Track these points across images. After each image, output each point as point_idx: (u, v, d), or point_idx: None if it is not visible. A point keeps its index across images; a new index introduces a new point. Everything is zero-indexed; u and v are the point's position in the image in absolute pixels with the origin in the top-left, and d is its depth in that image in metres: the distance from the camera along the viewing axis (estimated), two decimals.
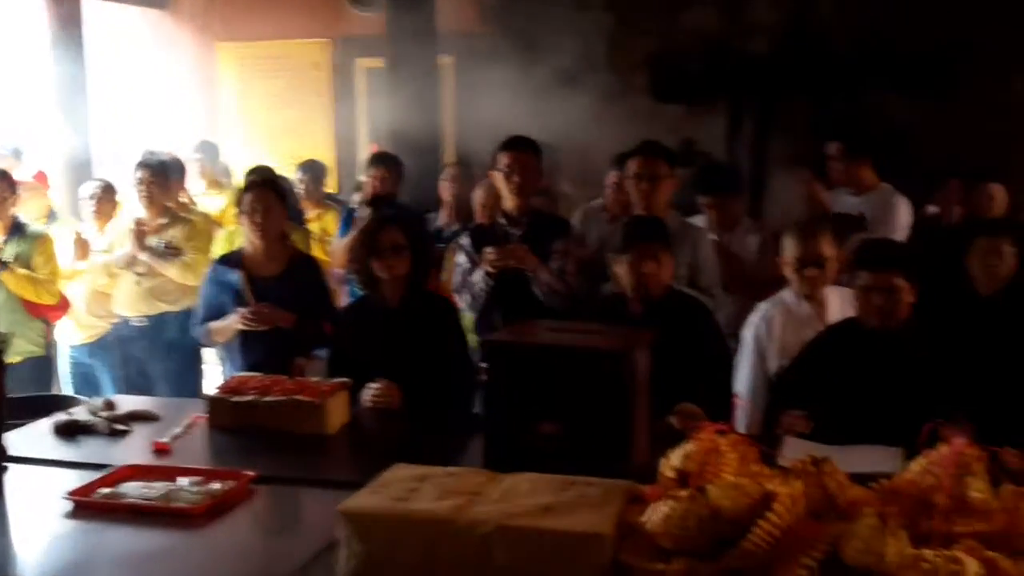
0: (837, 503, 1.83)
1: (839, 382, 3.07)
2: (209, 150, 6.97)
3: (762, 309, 3.76)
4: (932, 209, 5.24)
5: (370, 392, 3.30)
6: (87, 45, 7.40)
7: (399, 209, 4.73)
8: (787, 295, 3.71)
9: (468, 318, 4.06)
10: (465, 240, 4.14)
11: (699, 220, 4.40)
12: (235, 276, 3.97)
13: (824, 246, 3.58)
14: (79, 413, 3.09)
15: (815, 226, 3.73)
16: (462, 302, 4.10)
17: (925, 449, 1.84)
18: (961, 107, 6.38)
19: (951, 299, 3.72)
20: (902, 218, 4.62)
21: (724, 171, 4.80)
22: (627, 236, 3.42)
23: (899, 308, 3.04)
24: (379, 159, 5.56)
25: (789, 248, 3.61)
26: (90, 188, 5.37)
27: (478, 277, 3.95)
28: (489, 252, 3.90)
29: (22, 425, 3.00)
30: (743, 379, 3.75)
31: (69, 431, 2.96)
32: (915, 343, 3.05)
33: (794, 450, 2.63)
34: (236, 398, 3.03)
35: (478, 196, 4.96)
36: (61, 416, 3.04)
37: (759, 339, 3.72)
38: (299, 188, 6.07)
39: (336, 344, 3.70)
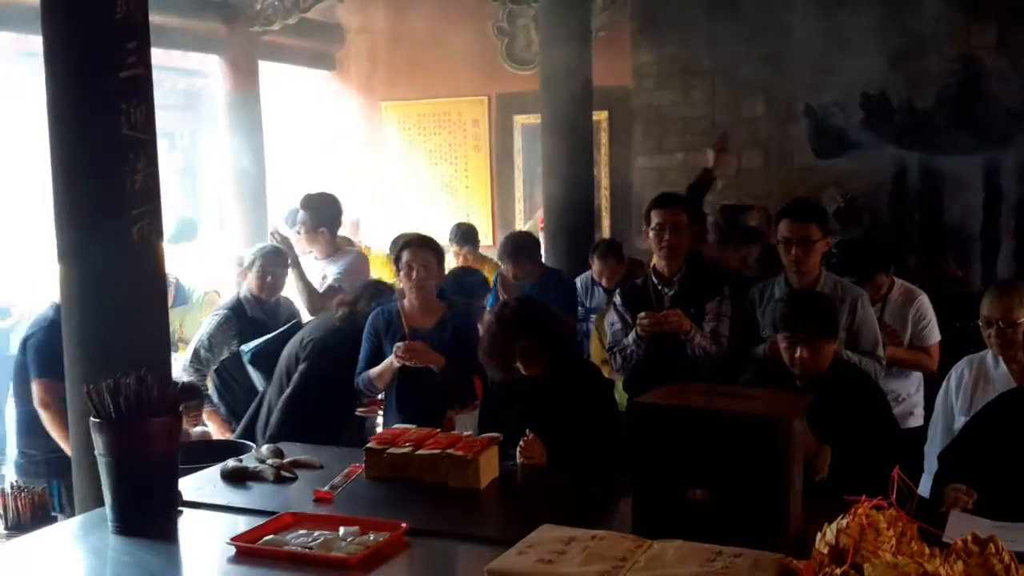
0: None
1: (1009, 454, 2.91)
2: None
3: (957, 370, 3.65)
4: None
5: (520, 447, 3.32)
6: (263, 105, 7.94)
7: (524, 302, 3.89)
8: (988, 355, 3.58)
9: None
10: (617, 299, 4.15)
11: None
12: (394, 307, 4.13)
13: (1018, 308, 3.46)
14: (248, 460, 3.25)
15: (1011, 287, 3.60)
16: (613, 363, 4.10)
17: None
18: None
19: None
20: None
21: (865, 251, 4.51)
22: (787, 316, 3.30)
23: None
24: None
25: (984, 307, 3.55)
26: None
27: (630, 340, 3.95)
28: (642, 317, 3.87)
29: (198, 469, 3.20)
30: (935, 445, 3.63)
31: (238, 477, 3.12)
32: None
33: (959, 527, 2.50)
34: (392, 450, 3.12)
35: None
36: (230, 462, 3.20)
37: (947, 401, 3.61)
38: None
39: (486, 403, 3.76)
